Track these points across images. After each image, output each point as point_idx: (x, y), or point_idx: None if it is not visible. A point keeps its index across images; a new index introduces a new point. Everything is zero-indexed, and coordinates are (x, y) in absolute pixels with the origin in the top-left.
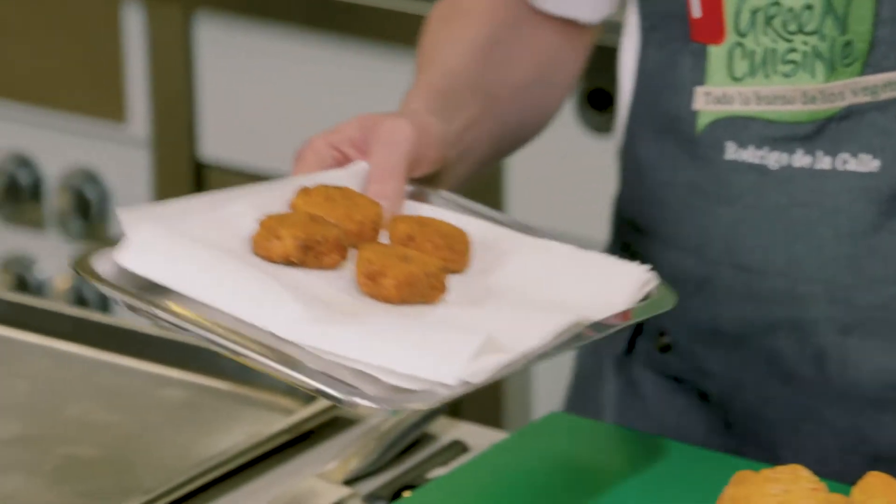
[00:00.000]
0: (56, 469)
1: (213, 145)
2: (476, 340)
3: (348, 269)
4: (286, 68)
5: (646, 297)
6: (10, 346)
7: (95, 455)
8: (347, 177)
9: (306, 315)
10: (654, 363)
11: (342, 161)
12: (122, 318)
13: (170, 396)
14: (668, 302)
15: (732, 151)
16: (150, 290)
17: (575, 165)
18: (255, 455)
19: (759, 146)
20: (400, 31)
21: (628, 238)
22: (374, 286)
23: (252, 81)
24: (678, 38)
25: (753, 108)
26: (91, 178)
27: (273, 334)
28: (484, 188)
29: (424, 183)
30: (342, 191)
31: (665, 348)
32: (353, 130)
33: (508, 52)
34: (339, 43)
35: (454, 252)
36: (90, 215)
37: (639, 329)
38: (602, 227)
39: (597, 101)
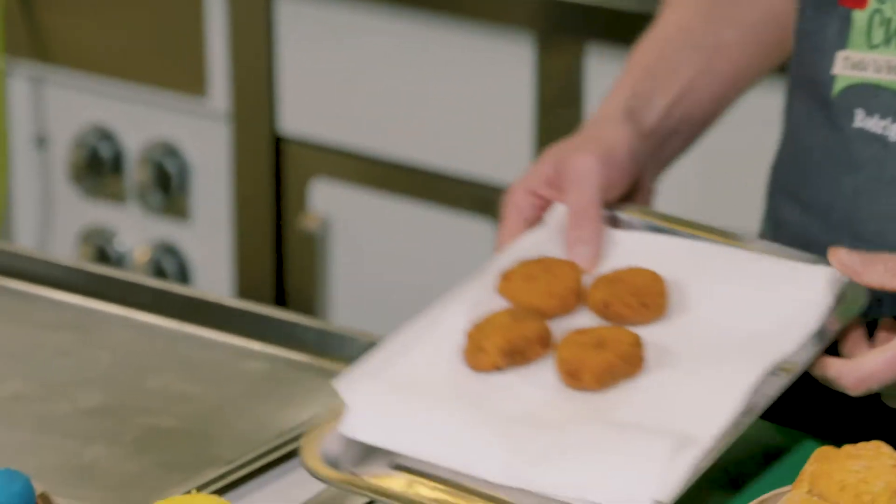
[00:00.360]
0: (136, 439)
1: (293, 119)
2: (666, 449)
3: (552, 360)
4: (365, 42)
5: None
6: (92, 317)
7: (176, 426)
8: (546, 237)
9: (513, 459)
10: None
11: (542, 206)
12: (203, 289)
13: (250, 368)
14: (861, 298)
15: (860, 119)
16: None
17: None
18: None
19: (883, 116)
20: (478, 6)
21: (775, 197)
22: (575, 381)
23: (331, 55)
24: (829, 1)
25: (884, 77)
26: (171, 151)
27: (486, 481)
28: None
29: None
30: (540, 263)
31: None
32: (547, 169)
33: None
34: (417, 18)
35: (649, 309)
36: (170, 188)
37: None
38: (676, 203)
39: None
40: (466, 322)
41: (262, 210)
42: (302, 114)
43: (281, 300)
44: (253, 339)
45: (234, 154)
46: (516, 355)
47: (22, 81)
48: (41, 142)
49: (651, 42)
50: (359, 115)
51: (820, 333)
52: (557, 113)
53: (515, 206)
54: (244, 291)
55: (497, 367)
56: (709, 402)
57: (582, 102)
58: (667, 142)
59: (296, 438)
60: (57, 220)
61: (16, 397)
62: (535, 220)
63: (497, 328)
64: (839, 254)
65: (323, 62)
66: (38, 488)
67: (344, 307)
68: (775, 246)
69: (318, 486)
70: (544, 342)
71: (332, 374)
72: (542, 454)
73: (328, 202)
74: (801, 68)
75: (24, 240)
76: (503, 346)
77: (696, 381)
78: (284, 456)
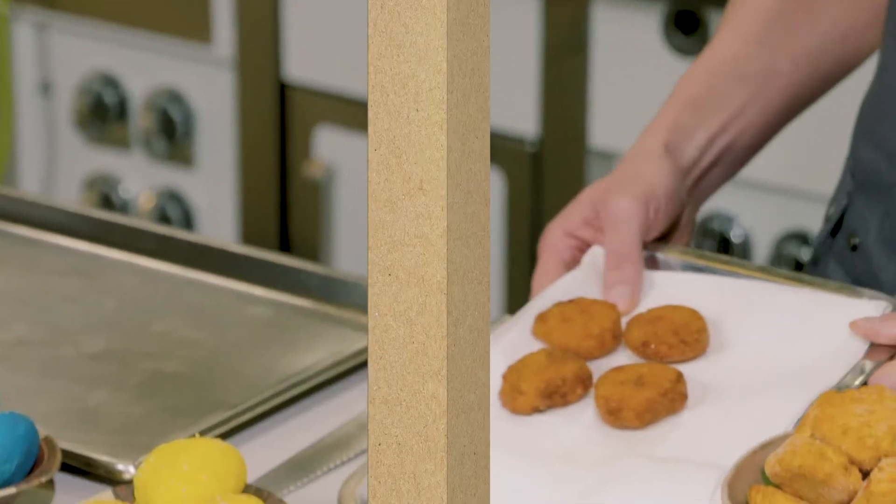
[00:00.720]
0: (141, 384)
1: (298, 66)
2: (714, 480)
3: (591, 400)
4: None
5: None
6: (96, 262)
7: (180, 371)
8: (583, 277)
9: (559, 494)
10: (844, 262)
11: (580, 247)
12: (208, 236)
13: (254, 314)
14: None
15: None
16: None
17: (660, 89)
18: (337, 372)
19: None
20: None
21: (857, 133)
22: (616, 420)
23: (336, 1)
24: None
25: None
26: (176, 98)
27: None
28: (568, 112)
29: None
30: (576, 304)
31: (854, 249)
32: (585, 211)
33: (794, 20)
34: None
35: (689, 346)
36: (175, 135)
37: (837, 226)
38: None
39: (684, 23)
40: (502, 365)
41: (266, 157)
42: (307, 60)
43: (285, 246)
44: (257, 285)
45: (238, 101)
46: (555, 396)
47: (26, 28)
48: (46, 88)
49: (695, 74)
50: (364, 62)
51: (867, 362)
52: (564, 61)
53: (553, 247)
54: (248, 238)
55: (536, 409)
56: (755, 434)
57: (588, 50)
58: (707, 175)
59: (299, 383)
60: (61, 167)
61: (21, 342)
62: (572, 261)
63: (534, 369)
64: (857, 323)
65: (328, 8)
66: (43, 432)
67: (347, 254)
68: (815, 279)
69: (322, 432)
70: (583, 382)
71: (335, 320)
72: (588, 489)
73: (333, 149)
74: (892, 8)
75: (29, 186)
76: (541, 387)
77: (740, 414)
78: (288, 401)
